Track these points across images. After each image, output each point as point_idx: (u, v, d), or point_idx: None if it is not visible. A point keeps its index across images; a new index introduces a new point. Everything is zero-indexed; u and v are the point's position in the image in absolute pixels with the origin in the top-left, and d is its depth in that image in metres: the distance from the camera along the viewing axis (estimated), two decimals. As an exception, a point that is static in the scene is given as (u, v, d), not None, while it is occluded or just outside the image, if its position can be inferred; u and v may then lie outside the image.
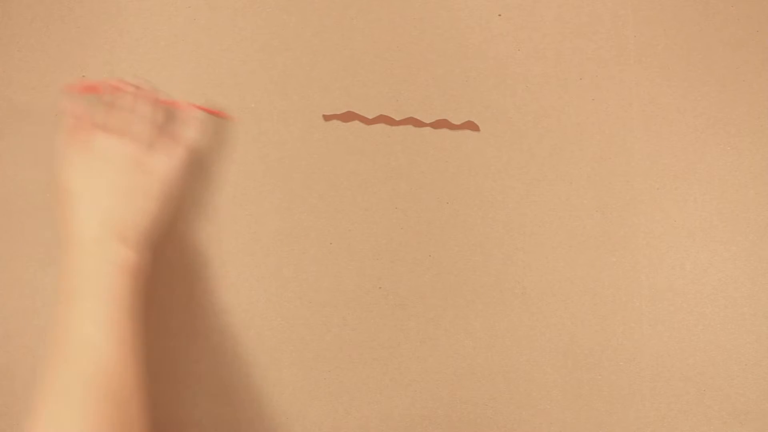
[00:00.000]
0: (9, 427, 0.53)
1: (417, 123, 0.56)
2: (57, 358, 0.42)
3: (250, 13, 0.56)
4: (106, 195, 0.48)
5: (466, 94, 0.56)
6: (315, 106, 0.56)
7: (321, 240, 0.55)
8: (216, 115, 0.55)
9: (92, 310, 0.44)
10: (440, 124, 0.56)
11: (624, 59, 0.56)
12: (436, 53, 0.56)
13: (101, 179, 0.48)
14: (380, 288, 0.55)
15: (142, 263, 0.47)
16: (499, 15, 0.57)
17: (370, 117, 0.56)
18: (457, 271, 0.55)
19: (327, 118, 0.56)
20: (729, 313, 0.54)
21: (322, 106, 0.56)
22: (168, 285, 0.54)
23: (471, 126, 0.56)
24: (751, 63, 0.56)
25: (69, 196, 0.48)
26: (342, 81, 0.56)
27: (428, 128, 0.56)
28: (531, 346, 0.54)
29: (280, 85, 0.56)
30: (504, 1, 0.57)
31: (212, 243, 0.54)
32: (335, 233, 0.55)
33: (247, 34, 0.56)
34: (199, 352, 0.54)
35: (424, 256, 0.55)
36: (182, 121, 0.54)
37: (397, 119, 0.56)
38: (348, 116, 0.56)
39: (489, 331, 0.54)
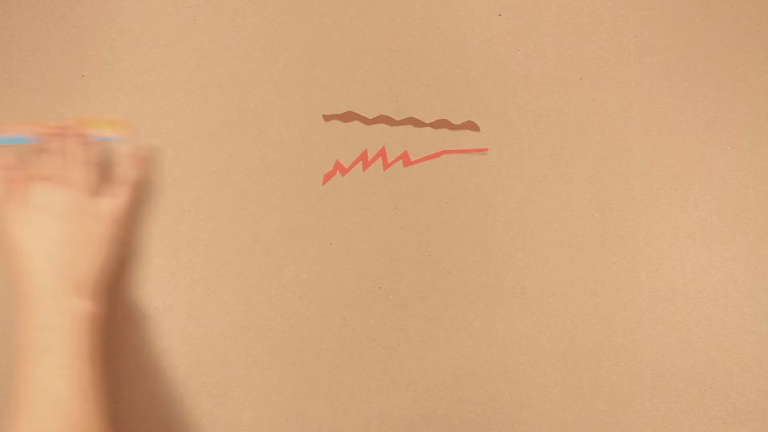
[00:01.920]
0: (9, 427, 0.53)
1: (417, 123, 0.56)
2: (26, 413, 0.43)
3: (250, 13, 0.56)
4: (54, 247, 0.47)
5: (466, 94, 0.56)
6: (315, 106, 0.56)
7: (321, 240, 0.55)
8: (122, 134, 0.54)
9: (59, 366, 0.44)
10: (440, 124, 0.56)
11: (624, 59, 0.56)
12: (436, 53, 0.56)
13: (46, 232, 0.47)
14: (380, 288, 0.55)
15: (98, 310, 0.47)
16: (499, 15, 0.57)
17: (370, 117, 0.56)
18: (457, 271, 0.55)
19: (327, 118, 0.56)
20: (729, 313, 0.54)
21: (322, 106, 0.56)
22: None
23: (471, 126, 0.56)
24: (751, 63, 0.56)
25: (17, 253, 0.47)
26: (342, 81, 0.56)
27: (428, 128, 0.56)
28: (531, 346, 0.54)
29: (280, 85, 0.56)
30: (504, 1, 0.57)
31: (213, 243, 0.54)
32: (335, 233, 0.55)
33: (247, 34, 0.56)
34: (199, 352, 0.54)
35: (424, 256, 0.55)
36: (121, 159, 0.53)
37: (397, 119, 0.56)
38: (348, 116, 0.56)
39: (489, 331, 0.54)
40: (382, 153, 0.55)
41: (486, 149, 0.55)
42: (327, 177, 0.55)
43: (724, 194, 0.55)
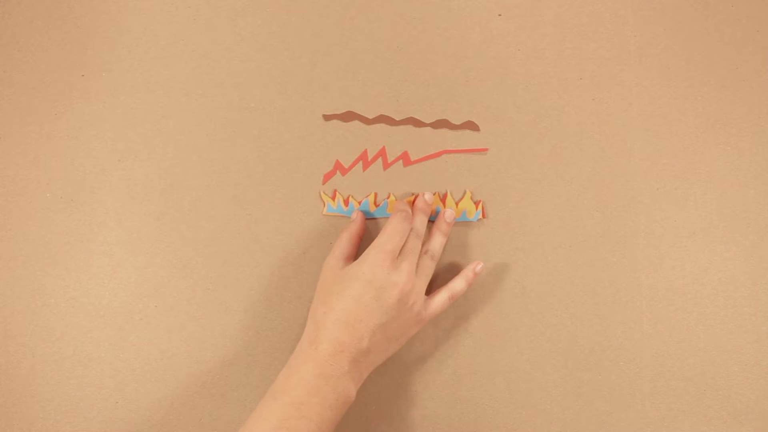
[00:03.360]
0: (9, 426, 0.53)
1: (417, 123, 0.56)
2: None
3: (250, 13, 0.56)
4: (381, 335, 0.46)
5: (466, 94, 0.56)
6: (315, 106, 0.56)
7: (321, 240, 0.55)
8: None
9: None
10: (440, 124, 0.56)
11: (624, 59, 0.56)
12: (436, 53, 0.56)
13: (383, 308, 0.46)
14: (380, 288, 0.55)
15: (353, 399, 0.46)
16: (499, 15, 0.57)
17: (370, 117, 0.56)
18: (458, 271, 0.55)
19: (327, 118, 0.56)
20: (729, 313, 0.54)
21: (322, 106, 0.56)
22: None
23: (471, 126, 0.56)
24: (751, 63, 0.56)
25: (356, 319, 0.46)
26: (342, 81, 0.56)
27: (428, 128, 0.56)
28: (531, 346, 0.54)
29: (280, 85, 0.56)
30: (504, 1, 0.57)
31: (213, 243, 0.54)
32: (335, 233, 0.55)
33: (247, 34, 0.56)
34: (199, 352, 0.54)
35: (424, 256, 0.55)
36: (463, 273, 0.52)
37: (397, 119, 0.56)
38: (348, 116, 0.56)
39: (489, 331, 0.54)
40: (382, 153, 0.55)
41: (486, 149, 0.55)
42: (327, 177, 0.55)
43: (724, 194, 0.55)
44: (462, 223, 0.55)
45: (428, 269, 0.50)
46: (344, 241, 0.51)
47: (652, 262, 0.54)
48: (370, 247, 0.48)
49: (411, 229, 0.50)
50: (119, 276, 0.54)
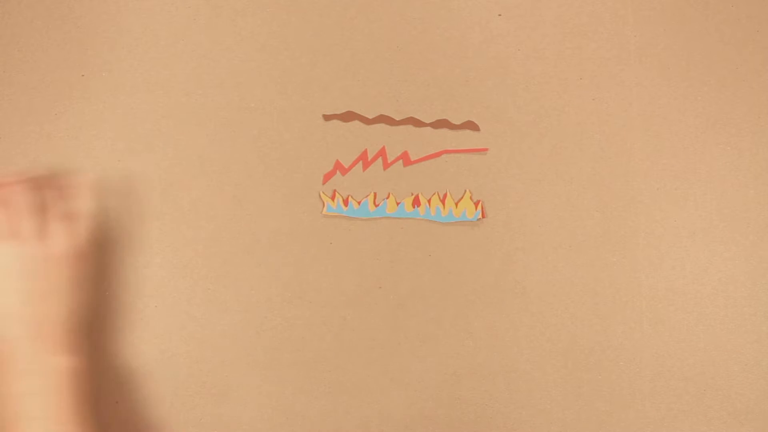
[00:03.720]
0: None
1: (417, 123, 0.56)
2: None
3: (250, 13, 0.56)
4: (17, 307, 0.44)
5: (466, 94, 0.56)
6: (315, 106, 0.56)
7: (321, 240, 0.55)
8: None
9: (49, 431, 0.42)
10: (440, 124, 0.56)
11: (624, 59, 0.56)
12: (436, 53, 0.56)
13: (9, 292, 0.45)
14: (380, 288, 0.55)
15: (79, 361, 0.45)
16: (499, 15, 0.57)
17: (370, 117, 0.56)
18: (457, 271, 0.55)
19: (327, 118, 0.56)
20: (729, 313, 0.54)
21: (322, 106, 0.56)
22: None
23: (471, 126, 0.56)
24: (751, 63, 0.56)
25: None
26: (342, 81, 0.56)
27: (428, 128, 0.56)
28: (531, 346, 0.54)
29: (280, 85, 0.56)
30: (504, 1, 0.57)
31: (213, 243, 0.54)
32: (335, 233, 0.55)
33: (247, 34, 0.56)
34: (199, 352, 0.54)
35: (424, 256, 0.55)
36: (66, 194, 0.49)
37: (397, 119, 0.56)
38: (348, 116, 0.56)
39: (489, 331, 0.54)
40: (382, 153, 0.55)
41: (486, 149, 0.55)
42: (327, 177, 0.55)
43: (724, 194, 0.55)
44: (462, 223, 0.55)
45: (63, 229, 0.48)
46: None
47: (652, 262, 0.54)
48: None
49: None
50: (119, 276, 0.54)
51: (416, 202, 0.55)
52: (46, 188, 0.49)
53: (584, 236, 0.55)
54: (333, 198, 0.55)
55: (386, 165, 0.55)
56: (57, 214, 0.48)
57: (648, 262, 0.54)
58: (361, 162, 0.55)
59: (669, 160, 0.55)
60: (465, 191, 0.55)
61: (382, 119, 0.55)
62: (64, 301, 0.46)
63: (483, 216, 0.55)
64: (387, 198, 0.55)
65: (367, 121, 0.56)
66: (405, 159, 0.55)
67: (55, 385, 0.43)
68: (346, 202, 0.55)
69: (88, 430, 0.44)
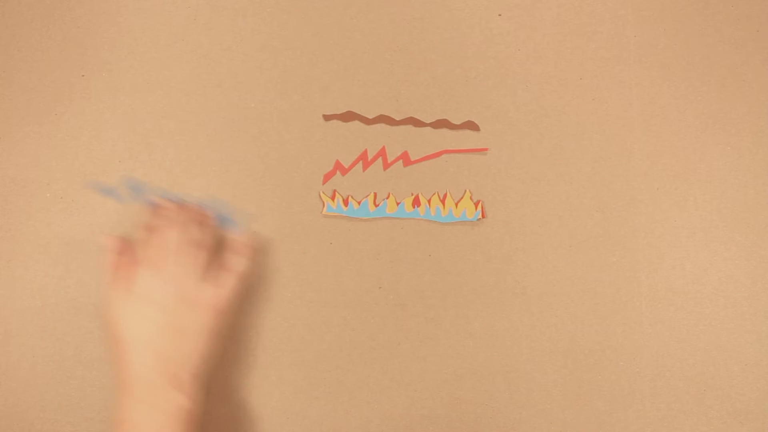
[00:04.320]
0: (9, 426, 0.53)
1: (417, 123, 0.56)
2: None
3: (250, 13, 0.56)
4: (154, 339, 0.45)
5: (466, 94, 0.56)
6: (315, 106, 0.56)
7: (321, 240, 0.55)
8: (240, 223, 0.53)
9: None
10: (440, 124, 0.56)
11: (624, 59, 0.56)
12: (436, 53, 0.56)
13: (149, 322, 0.45)
14: (380, 288, 0.55)
15: (195, 408, 0.45)
16: (499, 15, 0.57)
17: (370, 117, 0.56)
18: (457, 271, 0.55)
19: (327, 118, 0.56)
20: (729, 313, 0.54)
21: (322, 106, 0.56)
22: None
23: (471, 126, 0.56)
24: (751, 63, 0.56)
25: (118, 342, 0.45)
26: (342, 81, 0.56)
27: (428, 128, 0.56)
28: (531, 346, 0.54)
29: (280, 85, 0.56)
30: (504, 1, 0.57)
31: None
32: (335, 233, 0.55)
33: (247, 34, 0.56)
34: (199, 352, 0.54)
35: (424, 256, 0.55)
36: (231, 245, 0.51)
37: (397, 119, 0.56)
38: (348, 116, 0.56)
39: (489, 331, 0.54)
40: (382, 153, 0.55)
41: (486, 149, 0.55)
42: (327, 177, 0.55)
43: (724, 194, 0.55)
44: (462, 223, 0.55)
45: (225, 280, 0.49)
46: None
47: (652, 262, 0.54)
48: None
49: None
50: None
51: (416, 202, 0.55)
52: (209, 227, 0.51)
53: (584, 236, 0.55)
54: (333, 198, 0.55)
55: (386, 165, 0.55)
56: (216, 261, 0.49)
57: (648, 262, 0.55)
58: (361, 162, 0.55)
59: (669, 160, 0.55)
60: (465, 191, 0.55)
61: (382, 119, 0.56)
62: (198, 346, 0.46)
63: (483, 216, 0.55)
64: (387, 198, 0.55)
65: (367, 121, 0.56)
66: (405, 159, 0.55)
67: (169, 423, 0.43)
68: (346, 202, 0.55)
69: None
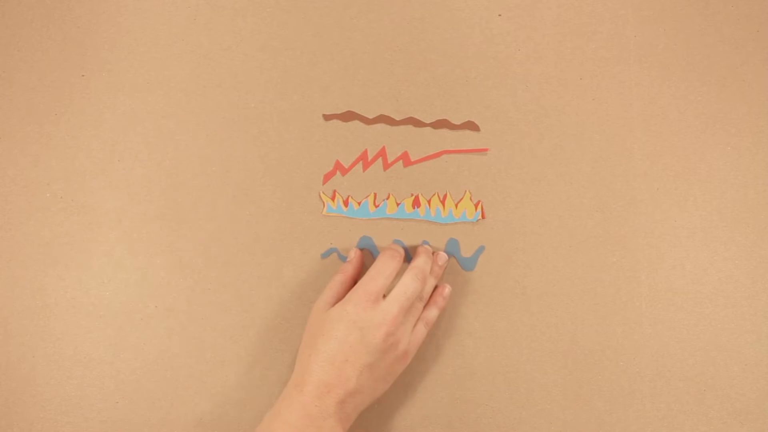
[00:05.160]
0: (9, 426, 0.53)
1: (417, 123, 0.56)
2: None
3: (250, 13, 0.56)
4: (348, 371, 0.45)
5: (466, 94, 0.56)
6: (315, 106, 0.56)
7: (321, 240, 0.55)
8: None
9: None
10: (440, 124, 0.56)
11: (624, 59, 0.56)
12: (436, 53, 0.56)
13: (345, 344, 0.45)
14: (380, 288, 0.55)
15: None
16: (499, 15, 0.57)
17: (370, 117, 0.56)
18: (458, 271, 0.55)
19: (327, 118, 0.56)
20: (729, 313, 0.54)
21: (322, 106, 0.56)
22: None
23: (471, 126, 0.56)
24: (751, 63, 0.56)
25: (310, 347, 0.46)
26: (342, 81, 0.56)
27: (428, 128, 0.56)
28: (531, 346, 0.54)
29: (280, 85, 0.56)
30: (504, 1, 0.57)
31: (213, 243, 0.54)
32: (335, 233, 0.55)
33: (247, 34, 0.56)
34: (199, 352, 0.54)
35: (424, 256, 0.55)
36: (433, 298, 0.52)
37: (397, 119, 0.56)
38: (348, 116, 0.56)
39: (489, 331, 0.54)
40: (382, 153, 0.55)
41: (486, 149, 0.55)
42: (327, 177, 0.55)
43: (724, 194, 0.55)
44: (462, 223, 0.55)
45: (420, 334, 0.50)
46: (337, 284, 0.50)
47: (652, 262, 0.54)
48: (355, 287, 0.48)
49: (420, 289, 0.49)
50: (119, 276, 0.54)
51: (416, 203, 0.55)
52: (430, 281, 0.51)
53: (584, 236, 0.55)
54: (333, 198, 0.55)
55: (386, 165, 0.55)
56: (426, 314, 0.51)
57: (648, 262, 0.54)
58: (361, 162, 0.55)
59: (669, 160, 0.55)
60: (465, 192, 0.55)
61: (382, 119, 0.56)
62: (378, 391, 0.47)
63: (483, 216, 0.55)
64: (387, 199, 0.55)
65: (367, 121, 0.56)
66: (405, 159, 0.55)
67: None
68: (346, 203, 0.55)
69: None
